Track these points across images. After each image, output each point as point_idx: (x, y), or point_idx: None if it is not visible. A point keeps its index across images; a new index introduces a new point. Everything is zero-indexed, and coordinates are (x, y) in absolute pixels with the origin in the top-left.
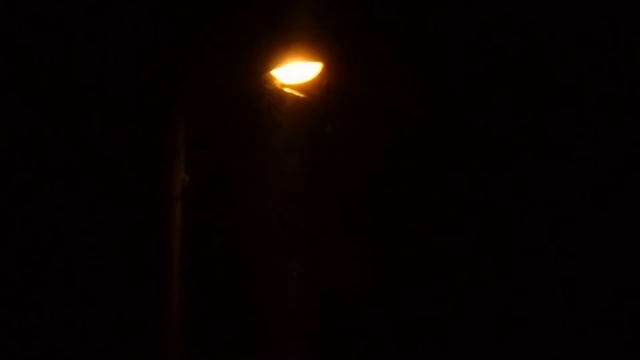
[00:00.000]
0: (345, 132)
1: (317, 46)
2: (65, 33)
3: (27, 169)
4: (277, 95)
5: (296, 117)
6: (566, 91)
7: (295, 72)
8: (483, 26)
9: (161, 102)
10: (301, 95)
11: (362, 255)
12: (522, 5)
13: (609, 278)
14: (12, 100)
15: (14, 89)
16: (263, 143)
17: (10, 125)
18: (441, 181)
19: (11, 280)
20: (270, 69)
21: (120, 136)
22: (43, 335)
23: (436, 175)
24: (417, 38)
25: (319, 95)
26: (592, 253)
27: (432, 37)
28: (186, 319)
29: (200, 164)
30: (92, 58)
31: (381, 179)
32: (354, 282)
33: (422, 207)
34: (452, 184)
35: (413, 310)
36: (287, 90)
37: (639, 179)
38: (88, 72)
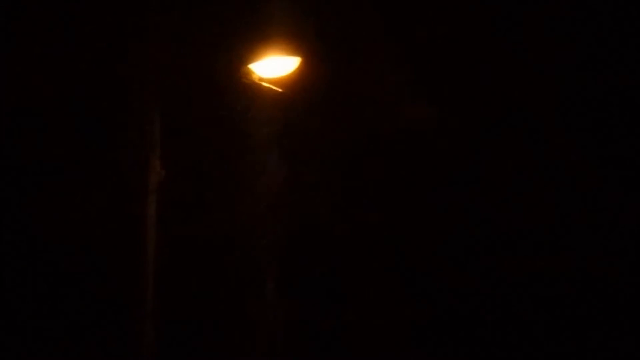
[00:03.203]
0: (323, 127)
1: (295, 41)
2: (47, 30)
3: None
4: (254, 90)
5: (274, 111)
6: None
7: (273, 67)
8: (460, 23)
9: (138, 97)
10: (279, 89)
11: (345, 250)
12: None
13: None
14: None
15: None
16: (240, 137)
17: None
18: (420, 175)
19: None
20: (248, 63)
21: (96, 131)
22: (16, 332)
23: (416, 169)
24: (396, 34)
25: (297, 90)
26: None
27: (410, 34)
28: (160, 313)
29: (177, 159)
30: (71, 53)
31: (359, 172)
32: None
33: (404, 201)
34: (432, 176)
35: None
36: (264, 84)
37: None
38: (62, 68)
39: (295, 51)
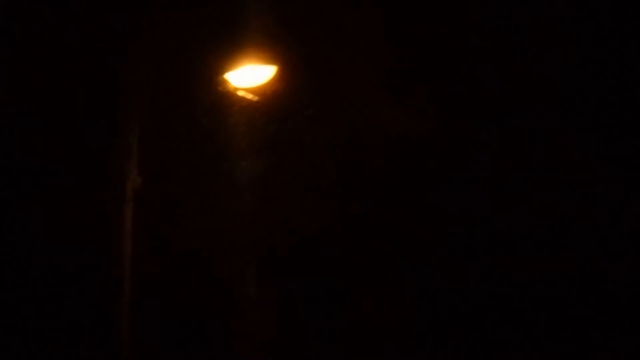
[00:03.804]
0: (300, 135)
1: (271, 49)
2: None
3: None
4: (230, 98)
5: (249, 120)
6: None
7: (249, 75)
8: (443, 27)
9: (114, 104)
10: (255, 98)
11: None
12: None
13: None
14: None
15: None
16: (216, 145)
17: None
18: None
19: None
20: (224, 72)
21: (72, 137)
22: None
23: (396, 176)
24: (374, 41)
25: (273, 99)
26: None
27: (389, 40)
28: (137, 320)
29: (153, 166)
30: (47, 60)
31: (335, 181)
32: (309, 279)
33: (382, 209)
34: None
35: None
36: (240, 93)
37: None
38: (42, 73)
39: (271, 60)
